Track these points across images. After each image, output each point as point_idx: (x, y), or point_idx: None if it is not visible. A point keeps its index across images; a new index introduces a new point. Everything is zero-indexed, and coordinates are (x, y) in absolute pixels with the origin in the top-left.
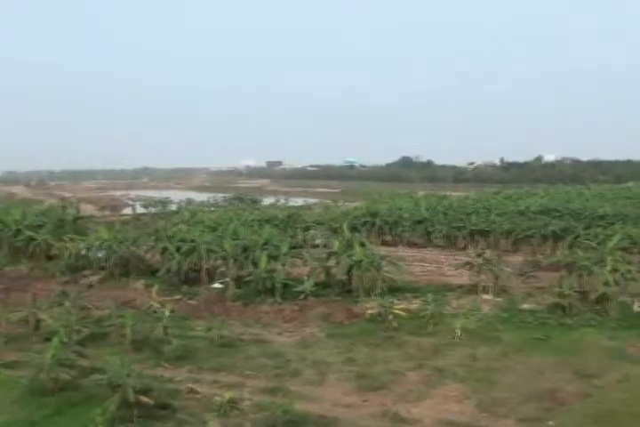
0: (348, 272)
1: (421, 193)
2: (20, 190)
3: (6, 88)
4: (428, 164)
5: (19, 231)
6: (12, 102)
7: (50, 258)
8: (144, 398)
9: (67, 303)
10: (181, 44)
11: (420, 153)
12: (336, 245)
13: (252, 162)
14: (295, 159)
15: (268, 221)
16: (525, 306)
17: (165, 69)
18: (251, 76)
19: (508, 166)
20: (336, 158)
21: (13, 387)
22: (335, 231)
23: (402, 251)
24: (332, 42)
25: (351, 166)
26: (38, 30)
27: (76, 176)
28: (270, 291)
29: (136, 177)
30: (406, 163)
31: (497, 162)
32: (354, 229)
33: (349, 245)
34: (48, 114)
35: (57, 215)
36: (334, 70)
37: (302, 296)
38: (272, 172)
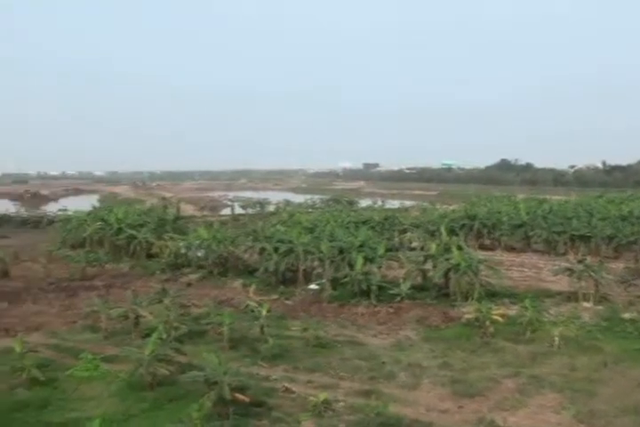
0: (445, 276)
1: (520, 196)
2: (122, 190)
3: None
4: (528, 166)
5: (120, 230)
6: (123, 109)
7: (150, 256)
8: (240, 396)
9: (166, 301)
10: (277, 47)
11: (519, 155)
12: (433, 247)
13: (348, 164)
14: (392, 161)
15: (364, 223)
16: (627, 315)
17: (262, 71)
18: (348, 76)
19: (610, 169)
20: (433, 161)
21: (112, 381)
22: (432, 234)
23: (500, 255)
24: (427, 40)
25: (449, 169)
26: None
27: (176, 177)
28: (366, 293)
29: (234, 178)
30: (505, 166)
31: (599, 165)
32: (451, 231)
33: (447, 249)
34: (156, 120)
35: (158, 215)
36: (431, 69)
37: (398, 299)
38: (368, 174)
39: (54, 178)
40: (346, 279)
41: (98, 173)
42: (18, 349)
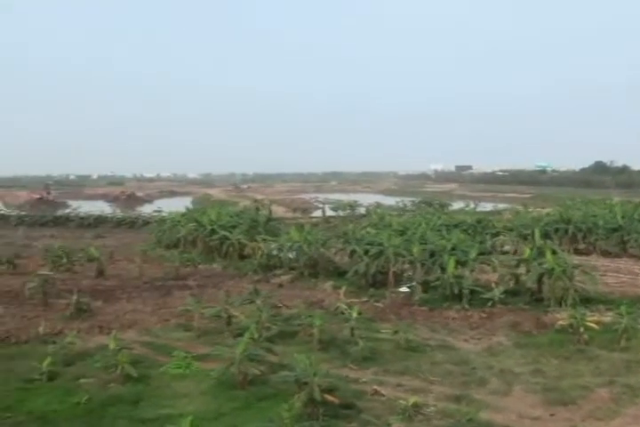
0: (539, 281)
1: (616, 200)
2: (215, 192)
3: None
4: (624, 169)
5: (213, 231)
6: (218, 113)
7: (242, 257)
8: (330, 397)
9: (258, 301)
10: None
11: (615, 157)
12: (526, 251)
13: (440, 166)
14: (485, 163)
15: (456, 226)
16: None
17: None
18: (439, 75)
19: None
20: (527, 163)
21: (204, 379)
22: (525, 238)
23: (595, 260)
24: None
25: (543, 171)
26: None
27: (267, 179)
28: (457, 297)
29: (324, 180)
30: (600, 168)
31: None
32: (545, 235)
33: (540, 253)
34: (248, 123)
35: (250, 216)
36: (529, 66)
37: (490, 303)
38: (460, 176)
39: (149, 180)
40: (437, 282)
41: (192, 175)
42: (112, 345)
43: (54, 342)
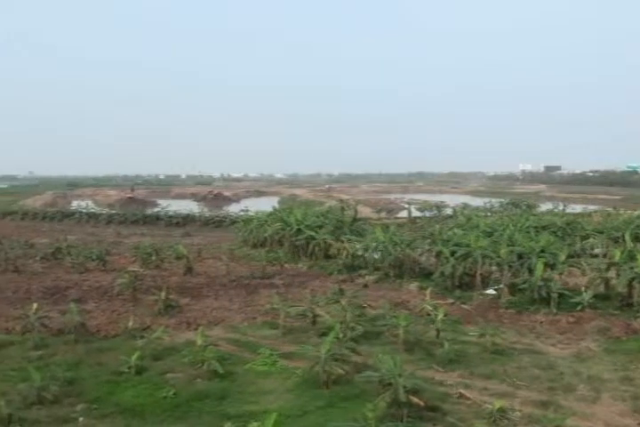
0: (629, 285)
1: None
2: (301, 192)
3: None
4: None
5: (300, 231)
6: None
7: (328, 257)
8: (414, 399)
9: (343, 301)
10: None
11: None
12: (617, 255)
13: (529, 167)
14: (574, 164)
15: (544, 228)
16: None
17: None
18: (528, 73)
19: None
20: (618, 163)
21: (289, 377)
22: (616, 241)
23: None
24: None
25: (634, 172)
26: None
27: (353, 180)
28: (545, 300)
29: (411, 181)
30: None
31: None
32: (636, 238)
33: (631, 256)
34: (332, 124)
35: (336, 216)
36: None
37: (579, 308)
38: (549, 177)
39: (237, 180)
40: (524, 285)
41: (278, 175)
42: (199, 341)
43: (143, 337)
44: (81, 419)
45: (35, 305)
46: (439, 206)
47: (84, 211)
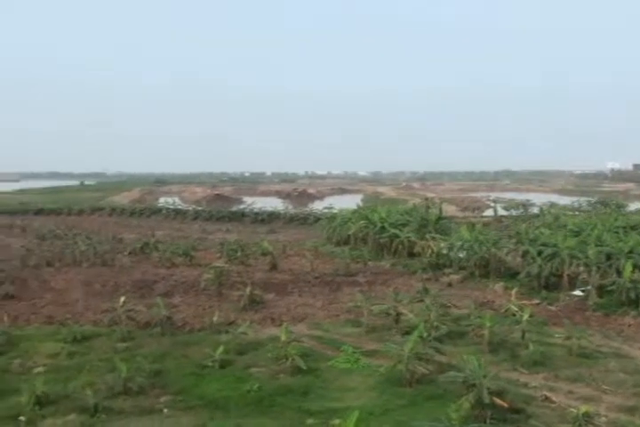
0: None
1: None
2: (384, 190)
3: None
4: None
5: (384, 229)
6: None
7: (412, 255)
8: (498, 401)
9: (427, 300)
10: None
11: None
12: None
13: (617, 165)
14: None
15: (633, 228)
16: None
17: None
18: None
19: None
20: None
21: (371, 375)
22: None
23: None
24: None
25: None
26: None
27: (437, 178)
28: (634, 302)
29: (497, 179)
30: None
31: None
32: None
33: None
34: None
35: (420, 215)
36: None
37: None
38: (638, 175)
39: (321, 177)
40: (612, 287)
41: (362, 172)
42: (283, 337)
43: (227, 332)
44: (165, 410)
45: (122, 298)
46: (525, 205)
47: (170, 207)
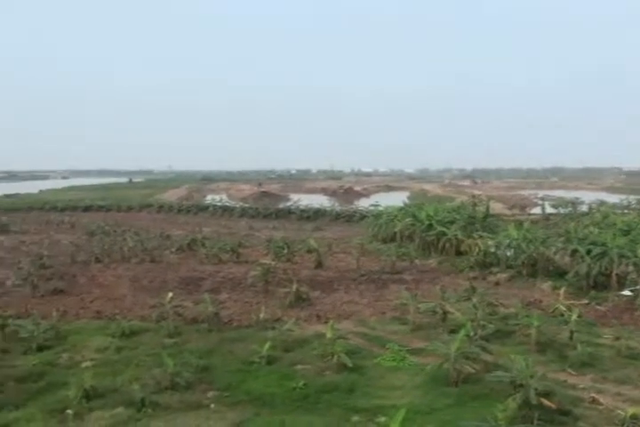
0: None
1: None
2: (431, 187)
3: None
4: None
5: (430, 226)
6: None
7: (459, 253)
8: (546, 402)
9: (474, 299)
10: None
11: None
12: None
13: None
14: None
15: None
16: None
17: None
18: None
19: None
20: None
21: (417, 373)
22: None
23: None
24: None
25: None
26: None
27: (484, 175)
28: None
29: (545, 176)
30: None
31: None
32: None
33: None
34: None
35: (468, 212)
36: None
37: None
38: None
39: (366, 175)
40: None
41: (408, 170)
42: (329, 334)
43: (274, 328)
44: (212, 406)
45: (170, 294)
46: (574, 203)
47: (218, 204)
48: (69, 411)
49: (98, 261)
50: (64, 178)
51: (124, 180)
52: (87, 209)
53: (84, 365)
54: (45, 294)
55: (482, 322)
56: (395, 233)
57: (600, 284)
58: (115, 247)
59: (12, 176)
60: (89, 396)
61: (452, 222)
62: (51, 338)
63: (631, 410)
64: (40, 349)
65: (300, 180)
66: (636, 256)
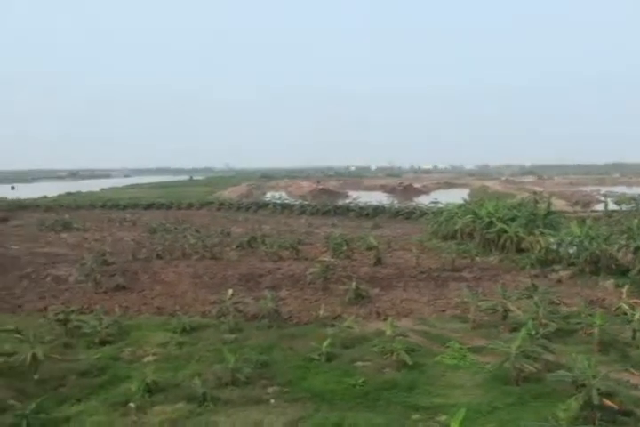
0: None
1: None
2: (491, 184)
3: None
4: None
5: (491, 223)
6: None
7: (520, 251)
8: (608, 402)
9: (535, 297)
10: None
11: None
12: None
13: None
14: None
15: None
16: None
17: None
18: None
19: None
20: None
21: (478, 372)
22: None
23: None
24: None
25: None
26: None
27: (545, 171)
28: None
29: (607, 172)
30: None
31: None
32: None
33: None
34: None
35: (529, 209)
36: None
37: None
38: None
39: (426, 172)
40: None
41: (468, 166)
42: (388, 332)
43: (333, 325)
44: (272, 401)
45: (230, 291)
46: (637, 200)
47: (277, 202)
48: (132, 404)
49: (159, 258)
50: (126, 176)
51: (184, 178)
52: (148, 207)
53: (145, 359)
54: (108, 291)
55: (543, 320)
56: (455, 230)
57: None
58: (176, 244)
59: (73, 175)
60: (151, 390)
61: (512, 219)
62: (113, 333)
63: None
64: (102, 343)
65: (358, 177)
66: None
